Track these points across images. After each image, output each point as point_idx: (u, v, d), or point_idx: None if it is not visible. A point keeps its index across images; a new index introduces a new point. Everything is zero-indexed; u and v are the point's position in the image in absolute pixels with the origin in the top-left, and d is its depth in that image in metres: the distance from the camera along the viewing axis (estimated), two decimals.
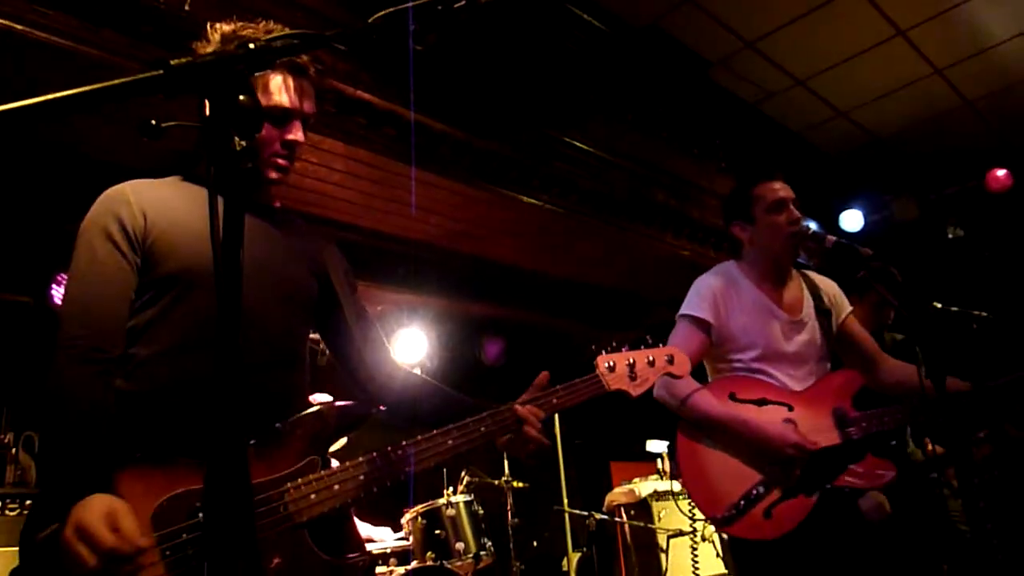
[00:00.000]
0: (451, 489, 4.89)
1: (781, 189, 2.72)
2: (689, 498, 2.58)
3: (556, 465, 5.50)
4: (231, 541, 0.74)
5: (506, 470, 5.06)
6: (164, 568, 1.34)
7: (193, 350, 1.54)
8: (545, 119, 5.13)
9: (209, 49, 1.64)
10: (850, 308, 2.88)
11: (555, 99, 5.12)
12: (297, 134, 1.68)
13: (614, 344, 1.92)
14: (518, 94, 4.92)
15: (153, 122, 1.00)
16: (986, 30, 5.35)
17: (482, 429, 1.66)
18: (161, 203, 1.64)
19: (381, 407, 1.81)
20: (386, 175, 4.83)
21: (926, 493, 3.78)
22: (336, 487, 1.49)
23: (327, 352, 1.91)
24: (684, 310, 2.69)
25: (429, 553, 4.38)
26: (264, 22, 1.69)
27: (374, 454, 1.55)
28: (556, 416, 5.59)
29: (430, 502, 4.57)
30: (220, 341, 0.81)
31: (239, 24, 1.67)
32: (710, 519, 2.45)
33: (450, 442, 1.61)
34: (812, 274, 2.92)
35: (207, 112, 0.86)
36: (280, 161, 1.69)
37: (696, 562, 4.80)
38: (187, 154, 1.75)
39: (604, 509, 5.68)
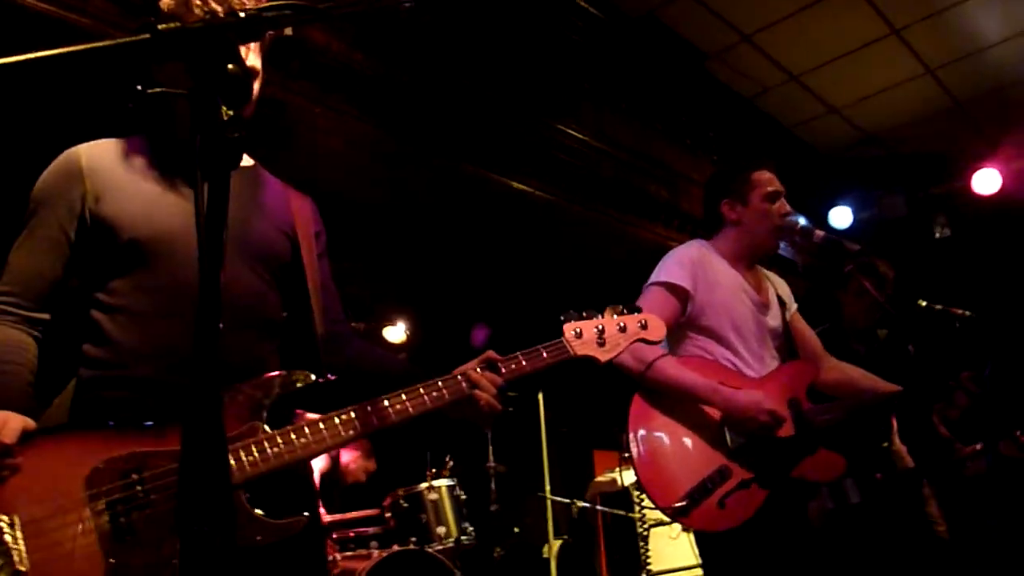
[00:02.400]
0: (434, 472, 4.90)
1: (775, 181, 2.75)
2: (639, 485, 2.48)
3: (539, 452, 5.51)
4: (207, 504, 0.74)
5: (490, 455, 5.08)
6: (94, 527, 1.36)
7: (158, 317, 1.55)
8: (538, 105, 5.11)
9: (169, 1, 1.59)
10: (796, 305, 2.90)
11: (549, 85, 5.10)
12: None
13: (584, 313, 1.85)
14: (512, 79, 4.90)
15: (139, 87, 0.98)
16: (978, 32, 5.37)
17: (433, 394, 1.62)
18: (119, 169, 1.63)
19: (330, 376, 1.76)
20: (375, 152, 4.80)
21: (907, 496, 3.81)
22: (274, 450, 1.47)
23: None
24: (659, 277, 2.64)
25: (410, 536, 4.40)
26: None
27: (319, 420, 1.54)
28: (540, 402, 5.62)
29: (412, 485, 4.58)
30: (200, 313, 0.81)
31: None
32: (662, 509, 2.36)
33: (397, 407, 1.58)
34: (766, 271, 2.93)
35: (194, 80, 0.85)
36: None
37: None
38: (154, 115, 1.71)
39: (586, 497, 5.71)
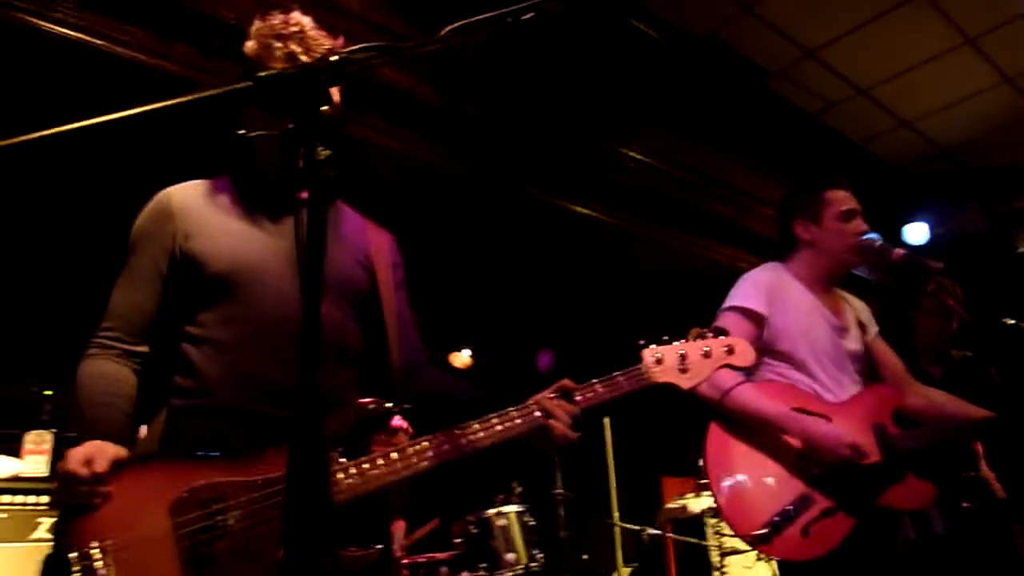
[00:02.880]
0: (503, 498, 4.89)
1: (851, 199, 2.67)
2: (718, 511, 2.41)
3: (606, 478, 5.44)
4: (311, 537, 0.76)
5: (558, 481, 5.04)
6: (178, 554, 1.40)
7: (242, 347, 1.61)
8: (602, 129, 5.12)
9: (253, 45, 1.69)
10: (877, 328, 2.79)
11: (611, 109, 5.11)
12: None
13: (665, 337, 1.79)
14: (575, 104, 4.93)
15: (240, 131, 1.03)
16: None
17: (508, 424, 1.62)
18: (207, 208, 1.71)
19: (406, 405, 1.79)
20: (442, 182, 4.88)
21: (995, 528, 3.62)
22: (348, 482, 1.50)
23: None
24: (734, 302, 2.58)
25: (480, 563, 4.39)
26: (288, 17, 1.70)
27: (392, 451, 1.56)
28: (607, 428, 5.56)
29: (481, 511, 4.57)
30: (303, 347, 0.83)
31: (272, 23, 1.70)
32: (742, 537, 2.28)
33: (470, 437, 1.58)
34: (844, 293, 2.85)
35: (292, 122, 0.89)
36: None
37: None
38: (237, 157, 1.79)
39: (656, 524, 5.61)
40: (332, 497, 1.48)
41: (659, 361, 1.74)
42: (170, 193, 1.74)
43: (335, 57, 0.95)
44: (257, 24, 1.71)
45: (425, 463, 1.55)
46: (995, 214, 6.63)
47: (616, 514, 5.38)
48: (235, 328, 1.63)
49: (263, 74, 0.87)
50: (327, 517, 0.82)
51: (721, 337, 1.83)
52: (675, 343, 1.79)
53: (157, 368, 1.70)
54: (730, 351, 1.82)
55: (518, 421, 1.63)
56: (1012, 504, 3.63)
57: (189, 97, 0.84)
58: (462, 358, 7.30)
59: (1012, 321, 3.38)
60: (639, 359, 1.75)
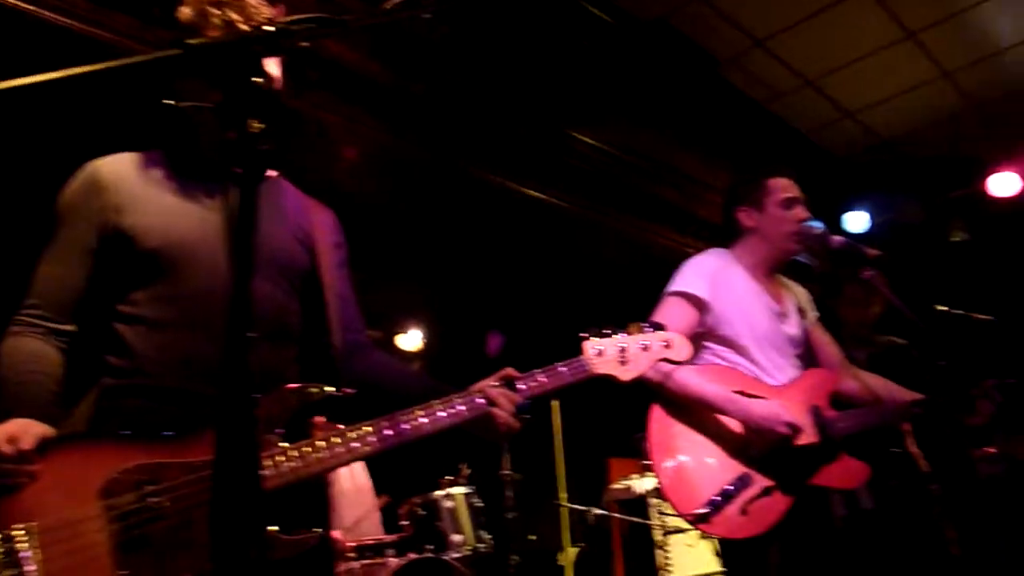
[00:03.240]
0: (450, 479, 4.89)
1: (793, 187, 2.73)
2: (657, 492, 2.48)
3: (554, 459, 5.49)
4: (240, 522, 0.75)
5: (506, 463, 5.06)
6: (108, 536, 1.36)
7: (177, 326, 1.57)
8: (554, 112, 5.12)
9: (188, 11, 1.60)
10: (817, 314, 2.88)
11: (563, 93, 5.11)
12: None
13: (606, 330, 1.84)
14: (526, 87, 4.91)
15: (169, 101, 0.99)
16: (995, 34, 5.33)
17: (451, 411, 1.61)
18: (140, 181, 1.65)
19: (347, 389, 1.75)
20: (391, 161, 4.83)
21: (920, 501, 3.80)
22: (290, 464, 1.47)
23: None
24: (677, 287, 2.62)
25: (427, 545, 4.39)
26: None
27: (332, 435, 1.54)
28: (556, 410, 5.60)
29: (428, 493, 4.57)
30: (232, 323, 0.81)
31: None
32: (683, 516, 2.35)
33: (413, 423, 1.57)
34: (786, 279, 2.92)
35: (222, 93, 0.86)
36: None
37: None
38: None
39: (601, 505, 5.68)
40: (270, 481, 1.45)
41: (600, 353, 1.79)
42: (100, 165, 1.67)
43: (270, 28, 0.92)
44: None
45: (367, 448, 1.54)
46: (932, 204, 6.83)
47: (563, 495, 5.44)
48: (169, 306, 1.58)
49: (192, 42, 0.83)
50: (258, 501, 0.80)
51: (660, 332, 1.88)
52: (616, 336, 1.83)
53: (87, 348, 1.64)
54: (667, 345, 1.88)
55: (461, 409, 1.63)
56: (933, 476, 3.82)
57: (110, 64, 0.80)
58: (412, 340, 7.26)
59: (944, 308, 3.52)
60: (581, 351, 1.78)
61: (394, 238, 5.83)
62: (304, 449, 1.50)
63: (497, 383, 1.68)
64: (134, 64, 0.82)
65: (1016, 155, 6.32)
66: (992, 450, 3.99)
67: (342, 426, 1.58)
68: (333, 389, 1.63)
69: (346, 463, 1.58)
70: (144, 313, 1.58)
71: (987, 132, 6.38)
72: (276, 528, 1.46)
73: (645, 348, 1.83)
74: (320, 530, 1.52)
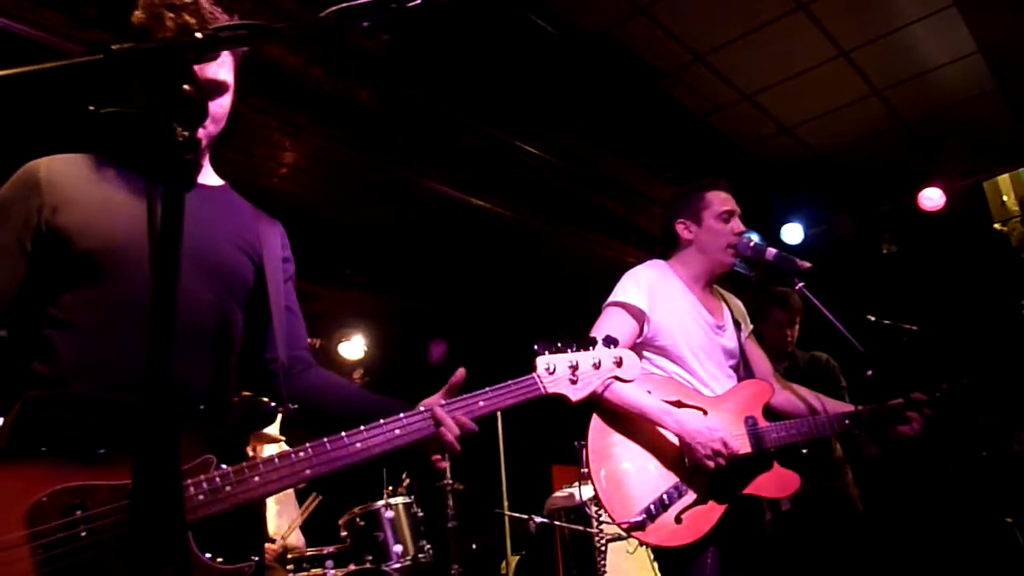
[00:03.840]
0: (391, 489, 4.85)
1: (730, 200, 2.79)
2: (597, 500, 2.49)
3: (497, 468, 5.49)
4: (158, 537, 0.72)
5: (447, 472, 5.04)
6: (32, 567, 1.27)
7: (107, 331, 1.50)
8: (498, 122, 5.13)
9: (140, 14, 1.57)
10: (751, 327, 2.96)
11: (506, 103, 5.13)
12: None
13: (559, 344, 1.80)
14: (469, 95, 4.92)
15: (92, 108, 0.96)
16: (924, 55, 5.56)
17: (397, 432, 1.56)
18: (78, 182, 1.59)
19: (292, 405, 1.71)
20: (331, 167, 4.78)
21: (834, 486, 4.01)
22: (228, 489, 1.41)
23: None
24: (617, 297, 2.65)
25: (367, 555, 4.34)
26: None
27: (274, 457, 1.48)
28: (498, 417, 5.60)
29: (368, 503, 4.52)
30: (153, 335, 0.79)
31: None
32: (618, 524, 2.36)
33: (358, 445, 1.52)
34: (723, 291, 2.99)
35: (146, 99, 0.84)
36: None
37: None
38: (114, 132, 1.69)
39: (544, 513, 5.70)
40: (209, 507, 1.39)
41: (551, 371, 1.75)
42: (38, 164, 1.60)
43: (199, 34, 0.90)
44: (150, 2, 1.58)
45: (308, 471, 1.48)
46: (864, 217, 7.07)
47: (505, 503, 5.44)
48: (102, 311, 1.51)
49: (115, 47, 0.81)
50: (180, 529, 0.77)
51: (611, 348, 1.85)
52: (567, 352, 1.80)
53: (15, 355, 1.55)
54: (618, 363, 1.85)
55: (409, 429, 1.58)
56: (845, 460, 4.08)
57: (29, 68, 0.77)
58: (353, 348, 7.17)
59: (873, 318, 3.65)
60: (533, 367, 1.75)
61: (337, 245, 5.77)
62: (244, 473, 1.43)
63: (444, 401, 1.64)
64: (54, 69, 0.79)
65: (944, 170, 6.59)
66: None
67: (284, 445, 1.54)
68: (276, 406, 1.59)
69: (288, 487, 1.52)
70: (75, 318, 1.51)
71: (915, 148, 6.64)
72: (211, 556, 1.40)
73: (596, 366, 1.81)
74: (256, 558, 1.46)
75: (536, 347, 1.77)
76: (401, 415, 1.59)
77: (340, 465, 1.51)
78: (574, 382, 1.77)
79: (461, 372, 1.68)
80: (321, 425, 1.61)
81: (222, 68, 1.66)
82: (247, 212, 1.83)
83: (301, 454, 1.49)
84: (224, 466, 1.44)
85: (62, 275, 1.53)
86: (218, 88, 1.65)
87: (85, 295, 1.52)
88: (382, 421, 1.56)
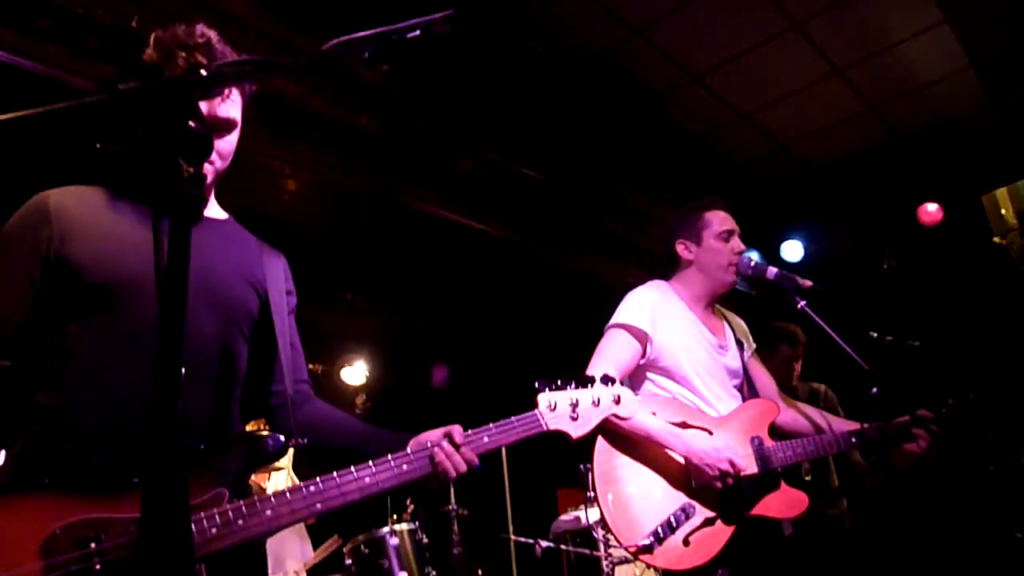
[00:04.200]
0: (395, 516, 4.82)
1: (729, 220, 2.80)
2: (603, 524, 2.48)
3: (502, 492, 5.46)
4: (170, 570, 0.72)
5: (451, 497, 5.01)
6: None
7: (115, 363, 1.51)
8: (498, 145, 5.17)
9: (152, 52, 1.59)
10: (755, 346, 2.95)
11: (506, 126, 5.17)
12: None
13: (559, 382, 1.85)
14: (469, 120, 4.95)
15: (98, 144, 0.97)
16: (917, 71, 5.60)
17: (404, 467, 1.60)
18: (88, 213, 1.60)
19: (302, 440, 1.74)
20: (334, 194, 4.81)
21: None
22: (240, 523, 1.42)
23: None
24: (621, 319, 2.65)
25: None
26: (193, 28, 1.62)
27: (286, 491, 1.50)
28: None
29: (373, 530, 4.49)
30: (160, 368, 0.79)
31: (173, 28, 1.61)
32: (626, 547, 2.34)
33: (367, 480, 1.55)
34: (725, 310, 2.98)
35: (153, 136, 0.85)
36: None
37: None
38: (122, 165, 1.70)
39: (550, 537, 5.65)
40: (220, 541, 1.39)
41: (552, 408, 1.80)
42: (48, 195, 1.60)
43: (204, 71, 0.91)
44: (158, 33, 1.61)
45: (319, 506, 1.50)
46: (863, 233, 7.08)
47: (511, 528, 5.40)
48: (109, 342, 1.52)
49: (122, 87, 0.82)
50: (190, 561, 0.77)
51: (609, 386, 1.89)
52: (567, 389, 1.84)
53: (18, 386, 1.55)
54: (616, 401, 1.89)
55: (417, 465, 1.62)
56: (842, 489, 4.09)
57: (36, 110, 0.78)
58: (355, 373, 7.16)
59: (876, 334, 3.64)
60: (534, 403, 1.79)
61: (339, 271, 5.78)
62: (255, 507, 1.45)
63: (447, 440, 1.66)
64: (64, 110, 0.80)
65: (941, 185, 6.61)
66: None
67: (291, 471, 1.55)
68: (285, 439, 1.60)
69: (299, 521, 1.54)
70: (80, 347, 1.51)
71: (912, 162, 6.67)
72: None
73: (595, 403, 1.85)
74: None
75: (537, 384, 1.82)
76: (409, 451, 1.63)
77: (350, 500, 1.54)
78: (575, 419, 1.82)
79: (458, 429, 1.70)
80: (322, 457, 1.62)
81: (232, 106, 1.67)
82: (252, 245, 1.85)
83: (311, 488, 1.51)
84: (236, 499, 1.45)
85: (70, 306, 1.53)
86: (226, 125, 1.66)
87: (93, 326, 1.52)
88: (390, 457, 1.60)
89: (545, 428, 1.78)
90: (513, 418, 1.76)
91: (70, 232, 1.56)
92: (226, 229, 1.81)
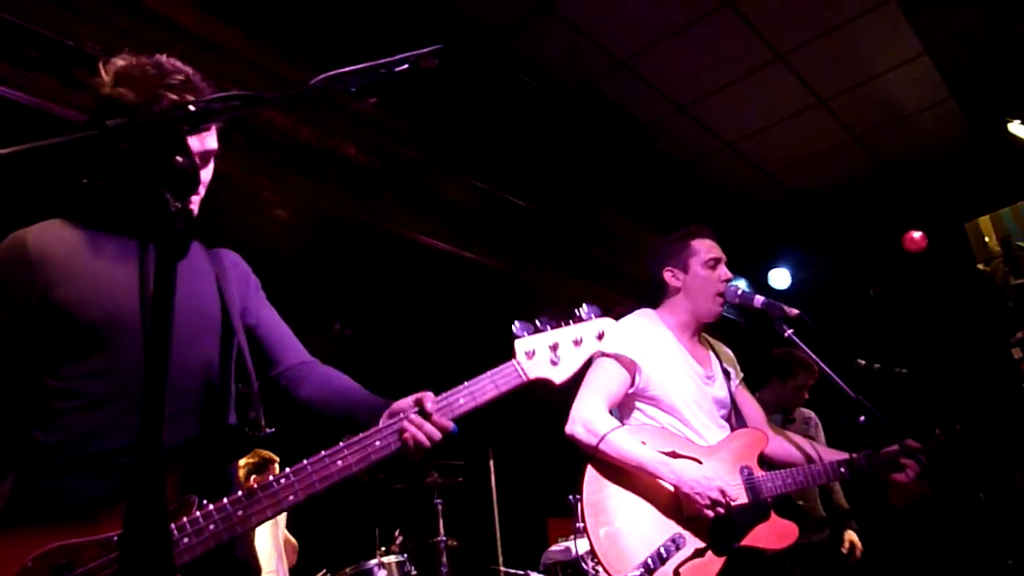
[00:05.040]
0: (383, 548, 4.77)
1: (716, 248, 2.81)
2: (593, 555, 2.43)
3: (491, 522, 5.41)
4: None
5: (440, 528, 4.97)
6: None
7: (112, 400, 1.49)
8: (486, 174, 5.20)
9: (105, 84, 1.55)
10: (742, 375, 2.94)
11: (493, 154, 5.21)
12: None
13: (537, 324, 1.70)
14: (456, 149, 4.99)
15: (85, 181, 0.97)
16: (900, 101, 5.70)
17: (376, 444, 1.53)
18: (70, 253, 1.57)
19: (268, 430, 1.69)
20: (324, 223, 4.82)
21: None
22: (211, 527, 1.40)
23: None
24: (608, 348, 2.65)
25: None
26: (162, 62, 1.59)
27: (257, 488, 1.46)
28: (492, 471, 5.53)
29: (360, 563, 4.44)
30: (146, 401, 0.79)
31: (136, 61, 1.58)
32: None
33: (339, 463, 1.49)
34: (712, 339, 2.98)
35: (140, 171, 0.85)
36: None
37: None
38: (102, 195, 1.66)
39: (540, 568, 5.60)
40: (194, 549, 1.37)
41: (531, 355, 1.66)
42: (25, 237, 1.57)
43: (192, 107, 0.92)
44: (129, 70, 1.55)
45: (292, 498, 1.47)
46: (849, 261, 7.14)
47: (500, 559, 5.34)
48: (105, 381, 1.50)
49: (110, 123, 0.82)
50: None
51: (592, 319, 1.75)
52: (547, 330, 1.70)
53: (7, 426, 1.53)
54: (600, 336, 1.74)
55: (387, 442, 1.54)
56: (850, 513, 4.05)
57: (25, 146, 0.79)
58: None
59: (864, 362, 3.65)
60: (512, 353, 1.66)
61: (327, 301, 5.76)
62: (226, 508, 1.42)
63: (416, 409, 1.57)
64: (51, 147, 0.80)
65: (925, 213, 6.69)
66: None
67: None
68: (252, 431, 1.58)
69: (275, 516, 1.50)
70: (76, 387, 1.50)
71: (897, 190, 6.75)
72: None
73: (577, 343, 1.71)
74: None
75: (515, 328, 1.69)
76: (381, 427, 1.56)
77: (321, 487, 1.49)
78: (555, 363, 1.67)
79: (428, 395, 1.61)
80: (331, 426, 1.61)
81: (212, 137, 1.67)
82: (200, 253, 1.81)
83: (283, 481, 1.47)
84: (207, 502, 1.42)
85: (61, 346, 1.52)
86: (208, 156, 1.66)
87: (87, 366, 1.51)
88: (361, 436, 1.53)
89: (525, 378, 1.64)
90: (488, 372, 1.63)
91: (55, 277, 1.53)
92: (194, 252, 1.78)
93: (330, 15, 4.05)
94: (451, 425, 1.57)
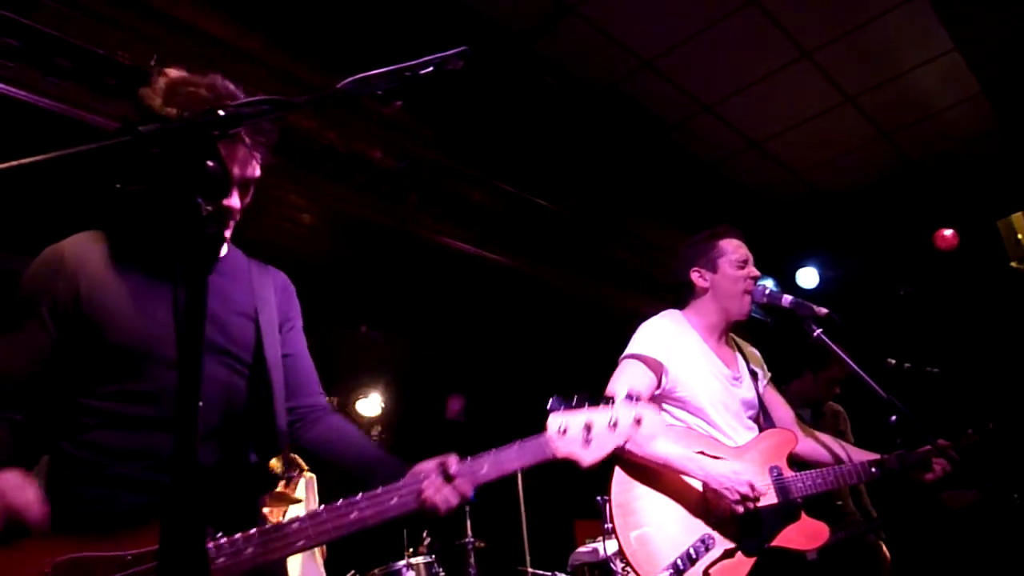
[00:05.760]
0: (412, 549, 4.79)
1: (743, 248, 2.78)
2: (622, 556, 2.41)
3: (518, 523, 5.41)
4: None
5: (468, 529, 4.97)
6: None
7: (145, 422, 1.51)
8: (512, 176, 5.21)
9: (156, 98, 1.56)
10: (770, 375, 2.91)
11: (520, 157, 5.21)
12: (231, 200, 1.58)
13: (575, 400, 1.67)
14: (483, 151, 5.00)
15: (119, 185, 0.99)
16: (929, 98, 5.61)
17: (394, 501, 1.50)
18: (104, 267, 1.59)
19: (292, 472, 1.71)
20: (349, 226, 4.85)
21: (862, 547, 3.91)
22: (220, 560, 1.39)
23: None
24: (636, 350, 2.62)
25: None
26: (211, 74, 1.61)
27: (270, 527, 1.46)
28: (519, 471, 5.52)
29: (389, 564, 4.46)
30: (179, 421, 0.80)
31: (186, 75, 1.59)
32: None
33: (355, 515, 1.47)
34: (739, 339, 2.95)
35: (173, 176, 0.87)
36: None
37: None
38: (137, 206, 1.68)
39: (567, 569, 5.59)
40: (229, 570, 1.38)
41: (563, 432, 1.63)
42: (62, 248, 1.59)
43: (222, 112, 0.93)
44: (180, 88, 1.56)
45: (302, 543, 1.45)
46: (878, 259, 7.04)
47: (528, 560, 5.34)
48: (140, 404, 1.52)
49: (142, 128, 0.84)
50: None
51: (632, 405, 1.72)
52: (583, 409, 1.67)
53: (33, 438, 1.56)
54: (638, 422, 1.70)
55: (405, 500, 1.52)
56: (879, 522, 3.97)
57: (59, 153, 0.80)
58: (371, 405, 7.16)
59: (894, 361, 3.60)
60: (544, 427, 1.63)
61: (353, 303, 5.81)
62: (240, 544, 1.42)
63: (440, 475, 1.55)
64: (84, 153, 0.82)
65: (957, 210, 6.58)
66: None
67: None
68: (281, 468, 1.59)
69: (284, 556, 1.49)
70: (113, 409, 1.51)
71: (928, 188, 6.65)
72: None
73: (613, 426, 1.66)
74: None
75: (550, 404, 1.65)
76: (401, 484, 1.53)
77: (333, 536, 1.48)
78: (588, 443, 1.63)
79: (453, 458, 1.58)
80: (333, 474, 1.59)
81: (253, 163, 1.63)
82: (248, 267, 1.81)
83: (295, 525, 1.46)
84: (220, 535, 1.42)
85: (94, 365, 1.53)
86: (248, 185, 1.63)
87: (122, 387, 1.53)
88: (380, 490, 1.51)
89: (553, 454, 1.60)
90: (516, 442, 1.60)
91: (88, 290, 1.55)
92: (225, 265, 1.77)
93: (350, 20, 4.08)
94: (470, 493, 1.56)
